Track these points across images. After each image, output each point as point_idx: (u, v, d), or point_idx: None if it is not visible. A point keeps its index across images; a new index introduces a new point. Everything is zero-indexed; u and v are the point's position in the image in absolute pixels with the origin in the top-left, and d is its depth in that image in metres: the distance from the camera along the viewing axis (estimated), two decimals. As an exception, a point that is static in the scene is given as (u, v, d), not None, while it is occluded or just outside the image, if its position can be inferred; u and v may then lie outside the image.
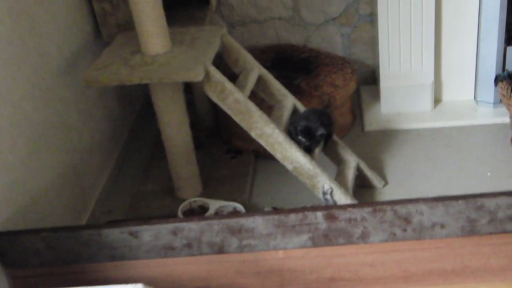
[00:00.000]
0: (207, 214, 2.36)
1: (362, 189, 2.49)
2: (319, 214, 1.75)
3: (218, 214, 2.34)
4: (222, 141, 2.88)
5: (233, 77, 2.39)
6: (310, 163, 2.23)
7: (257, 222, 1.77)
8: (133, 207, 2.56)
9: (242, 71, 2.41)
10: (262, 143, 2.25)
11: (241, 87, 2.29)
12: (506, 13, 2.72)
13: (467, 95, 2.97)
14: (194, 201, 2.44)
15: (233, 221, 1.78)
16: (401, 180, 2.53)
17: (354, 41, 3.14)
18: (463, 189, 2.42)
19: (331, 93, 2.69)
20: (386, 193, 2.47)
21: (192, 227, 1.79)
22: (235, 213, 1.84)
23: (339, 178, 2.38)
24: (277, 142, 2.23)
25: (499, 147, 2.67)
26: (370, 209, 1.74)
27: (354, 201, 2.26)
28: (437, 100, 2.98)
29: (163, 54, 2.25)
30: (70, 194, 2.33)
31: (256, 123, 2.22)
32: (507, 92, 2.60)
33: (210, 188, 2.58)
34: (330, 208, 1.76)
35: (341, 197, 2.25)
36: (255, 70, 2.40)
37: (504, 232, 1.75)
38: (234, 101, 2.20)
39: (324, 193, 2.25)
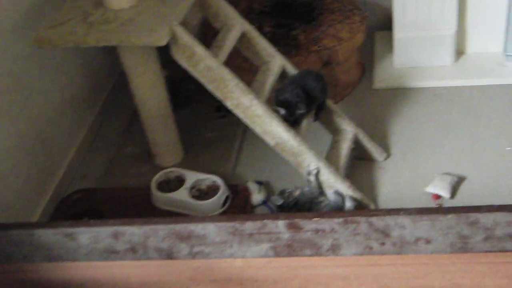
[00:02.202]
0: (183, 188, 2.12)
1: (360, 162, 2.19)
2: (280, 223, 1.49)
3: (195, 189, 2.11)
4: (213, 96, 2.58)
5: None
6: (294, 140, 1.94)
7: (209, 229, 1.52)
8: (108, 173, 2.34)
9: (222, 28, 2.09)
10: (239, 115, 1.96)
11: (217, 48, 1.98)
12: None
13: (495, 48, 2.56)
14: (171, 171, 2.19)
15: (181, 227, 1.53)
16: (406, 152, 2.21)
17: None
18: (474, 167, 2.10)
19: (333, 47, 2.34)
20: (387, 167, 2.17)
21: (134, 231, 1.55)
22: (182, 218, 1.58)
23: (331, 153, 2.08)
24: (256, 115, 1.94)
25: (526, 114, 2.31)
26: (340, 220, 1.46)
27: (345, 182, 1.97)
28: (459, 52, 2.58)
29: (128, 9, 1.95)
30: (33, 163, 2.11)
31: (232, 92, 1.93)
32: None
33: (192, 154, 2.32)
34: (292, 217, 1.48)
35: (329, 177, 1.97)
36: (237, 26, 2.07)
37: (503, 251, 1.46)
38: (206, 68, 1.91)
39: (308, 173, 1.96)
